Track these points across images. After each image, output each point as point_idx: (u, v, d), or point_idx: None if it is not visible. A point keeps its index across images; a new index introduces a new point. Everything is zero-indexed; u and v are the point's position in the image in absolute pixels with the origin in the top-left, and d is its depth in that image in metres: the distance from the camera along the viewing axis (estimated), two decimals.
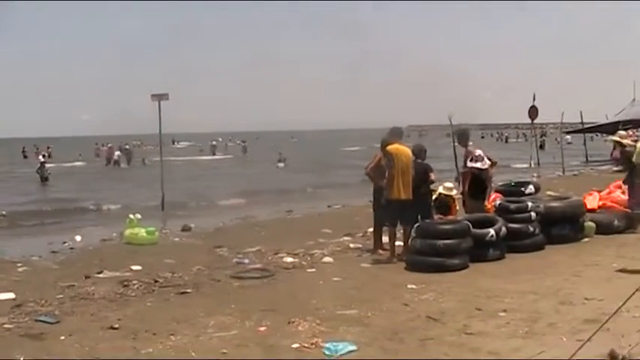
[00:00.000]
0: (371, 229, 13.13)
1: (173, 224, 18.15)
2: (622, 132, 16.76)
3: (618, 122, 40.50)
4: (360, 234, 14.50)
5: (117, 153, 56.11)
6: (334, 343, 6.87)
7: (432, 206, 12.13)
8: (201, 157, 67.92)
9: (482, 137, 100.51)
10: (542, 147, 59.14)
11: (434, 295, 9.04)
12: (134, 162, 54.88)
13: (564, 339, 6.76)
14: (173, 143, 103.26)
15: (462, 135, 13.45)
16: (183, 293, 9.76)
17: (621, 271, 9.60)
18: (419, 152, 12.34)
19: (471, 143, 13.90)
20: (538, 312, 8.00)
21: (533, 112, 37.02)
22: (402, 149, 11.73)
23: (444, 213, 12.35)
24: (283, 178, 38.13)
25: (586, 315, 7.54)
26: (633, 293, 5.14)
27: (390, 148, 11.71)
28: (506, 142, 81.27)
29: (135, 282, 10.43)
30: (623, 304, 5.46)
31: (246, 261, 12.08)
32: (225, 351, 6.92)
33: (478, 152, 13.74)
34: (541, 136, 74.98)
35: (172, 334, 7.52)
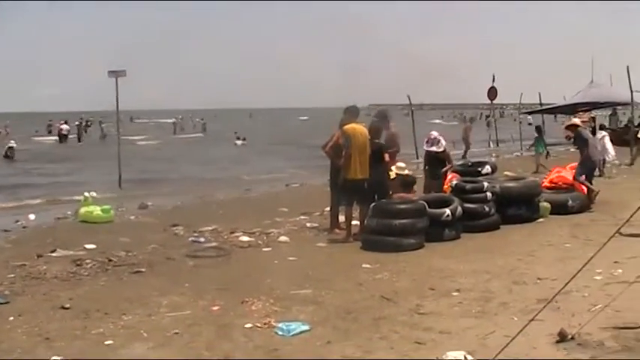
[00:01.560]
0: (328, 209, 13.13)
1: (130, 202, 17.93)
2: (576, 119, 17.11)
3: (576, 104, 40.95)
4: (318, 213, 14.48)
5: (65, 127, 55.30)
6: (287, 323, 6.85)
7: (388, 185, 12.09)
8: (160, 135, 67.33)
9: (442, 117, 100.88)
10: (488, 125, 59.92)
11: (388, 275, 9.07)
12: (91, 138, 54.29)
13: (516, 318, 6.81)
14: (131, 120, 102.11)
15: (381, 116, 13.25)
16: (137, 272, 9.67)
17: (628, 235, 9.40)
18: (375, 132, 12.26)
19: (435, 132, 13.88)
20: (491, 292, 8.07)
21: (492, 92, 37.23)
22: (359, 128, 11.69)
23: (408, 191, 12.42)
24: (242, 156, 37.98)
25: (538, 295, 7.60)
26: (578, 271, 5.17)
27: (346, 127, 11.68)
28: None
29: (88, 261, 10.28)
30: (567, 283, 5.50)
31: (202, 240, 12.00)
32: (177, 330, 6.86)
33: (434, 135, 13.79)
34: (487, 117, 75.55)
35: (124, 314, 7.44)
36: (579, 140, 14.92)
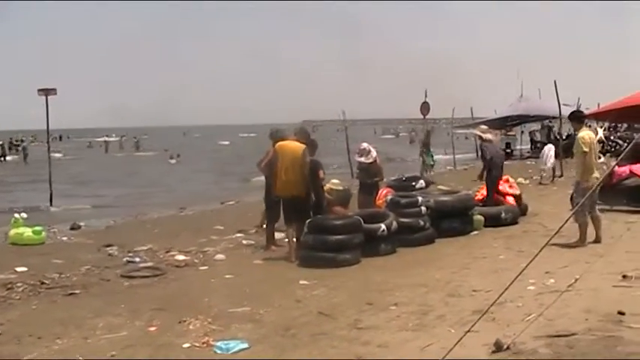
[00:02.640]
0: (264, 226, 13.11)
1: (62, 223, 17.62)
2: (483, 126, 17.23)
3: (507, 117, 41.70)
4: (253, 230, 14.43)
5: None
6: (225, 342, 6.82)
7: (323, 201, 12.10)
8: (92, 154, 66.41)
9: (375, 133, 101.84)
10: (411, 142, 60.75)
11: (326, 291, 9.09)
12: (19, 158, 53.25)
13: (453, 330, 6.89)
14: (60, 139, 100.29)
15: (301, 133, 13.18)
16: (71, 294, 9.49)
17: None
18: (310, 149, 12.19)
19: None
20: (428, 304, 8.14)
21: (425, 107, 37.67)
22: (289, 146, 11.65)
23: (345, 207, 12.47)
24: (176, 174, 37.69)
25: (474, 306, 7.70)
26: (511, 283, 5.28)
27: (277, 144, 11.70)
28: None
29: (19, 284, 10.04)
30: (501, 294, 5.60)
31: (137, 260, 11.85)
32: (113, 352, 6.77)
33: (364, 146, 13.86)
34: (410, 132, 76.56)
35: (59, 338, 7.30)
36: (483, 153, 15.36)
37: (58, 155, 49.68)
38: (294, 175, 11.39)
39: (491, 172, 14.60)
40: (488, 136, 15.74)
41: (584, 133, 11.54)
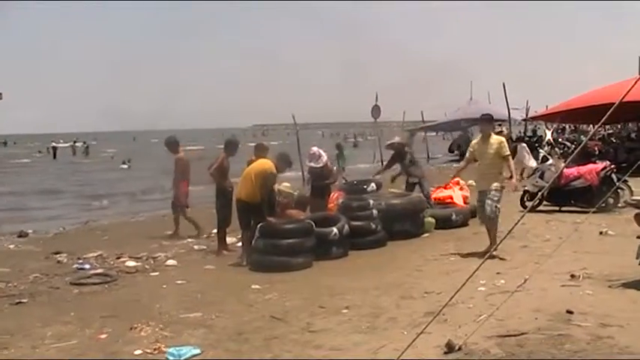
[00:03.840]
0: (215, 231, 13.05)
1: (8, 230, 17.31)
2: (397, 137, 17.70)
3: (457, 120, 42.16)
4: (205, 235, 14.35)
5: None
6: (177, 348, 6.77)
7: (275, 206, 12.08)
8: (40, 160, 65.41)
9: (322, 136, 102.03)
10: (355, 146, 61.03)
11: (278, 295, 9.07)
12: None
13: (405, 332, 6.93)
14: (5, 145, 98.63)
15: (230, 144, 13.05)
16: (18, 303, 9.30)
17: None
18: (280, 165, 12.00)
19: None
20: (380, 307, 8.18)
21: (376, 111, 37.85)
22: (260, 162, 11.66)
23: (303, 210, 12.48)
24: (127, 179, 37.29)
25: (426, 308, 7.77)
26: (462, 285, 5.32)
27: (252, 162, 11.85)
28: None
29: None
30: (453, 296, 5.65)
31: (87, 266, 11.69)
32: None
33: (314, 150, 13.84)
34: (354, 137, 76.94)
35: (6, 348, 7.17)
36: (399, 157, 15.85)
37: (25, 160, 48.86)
38: (246, 183, 11.35)
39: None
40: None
41: (497, 138, 11.48)
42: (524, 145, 22.17)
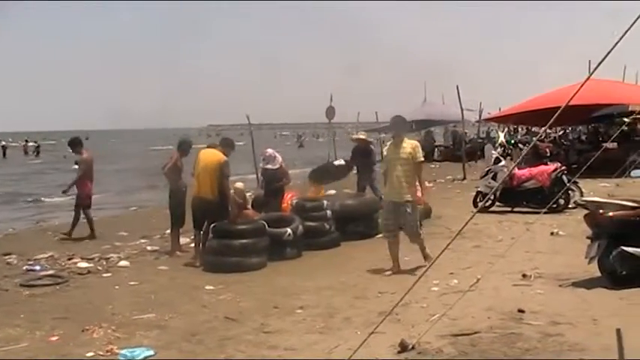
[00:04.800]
0: (168, 231, 12.96)
1: None
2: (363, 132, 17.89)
3: (411, 121, 42.37)
4: (158, 236, 14.25)
5: None
6: (131, 349, 6.71)
7: (228, 205, 12.03)
8: None
9: (275, 137, 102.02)
10: (301, 146, 61.18)
11: (232, 296, 9.05)
12: None
13: (359, 332, 6.94)
14: None
15: (183, 144, 12.85)
16: None
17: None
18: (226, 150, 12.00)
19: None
20: (334, 307, 8.21)
21: (330, 112, 37.90)
22: (207, 153, 11.64)
23: (259, 210, 12.51)
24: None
25: (380, 308, 7.79)
26: (414, 284, 5.37)
27: (200, 150, 11.85)
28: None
29: None
30: (404, 295, 5.69)
31: (38, 268, 11.49)
32: None
33: (269, 152, 13.85)
34: (298, 138, 77.12)
35: None
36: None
37: None
38: (205, 180, 11.31)
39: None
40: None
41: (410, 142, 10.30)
42: (490, 145, 22.44)
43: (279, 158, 13.73)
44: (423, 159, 10.19)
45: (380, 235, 13.12)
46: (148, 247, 13.19)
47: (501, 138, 26.96)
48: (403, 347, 6.28)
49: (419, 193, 10.18)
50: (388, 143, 10.65)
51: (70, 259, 12.08)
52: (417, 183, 10.10)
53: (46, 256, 12.49)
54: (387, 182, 10.17)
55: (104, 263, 11.76)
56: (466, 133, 39.33)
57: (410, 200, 9.92)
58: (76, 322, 7.91)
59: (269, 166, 13.63)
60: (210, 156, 11.51)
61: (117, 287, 9.94)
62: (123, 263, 11.73)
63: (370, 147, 16.17)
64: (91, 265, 11.62)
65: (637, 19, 4.09)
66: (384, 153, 10.51)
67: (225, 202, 11.54)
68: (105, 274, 10.98)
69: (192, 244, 11.95)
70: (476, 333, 6.71)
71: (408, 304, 7.50)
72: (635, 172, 16.35)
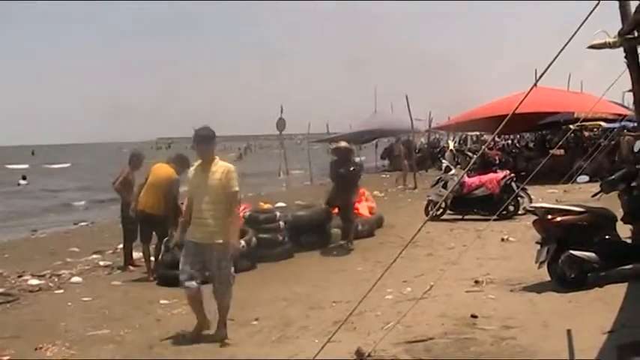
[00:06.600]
0: (121, 246, 12.86)
1: None
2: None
3: (362, 131, 42.61)
4: (110, 251, 14.13)
5: None
6: None
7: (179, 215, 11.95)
8: None
9: (224, 148, 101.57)
10: (240, 158, 61.15)
11: (187, 309, 8.97)
12: None
13: (316, 341, 6.98)
14: None
15: (134, 158, 12.65)
16: None
17: None
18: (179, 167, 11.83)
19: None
20: (289, 317, 8.25)
21: (281, 123, 38.00)
22: (158, 168, 11.55)
23: None
24: (26, 196, 36.32)
25: (335, 317, 7.83)
26: (368, 292, 5.44)
27: (153, 165, 11.74)
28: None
29: None
30: (359, 304, 5.75)
31: None
32: None
33: None
34: (239, 149, 77.06)
35: None
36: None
37: None
38: (151, 194, 11.22)
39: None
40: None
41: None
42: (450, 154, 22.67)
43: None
44: (237, 188, 7.70)
45: (333, 245, 13.19)
46: (101, 263, 13.06)
47: (451, 146, 27.24)
48: (359, 355, 6.33)
49: (232, 240, 7.63)
50: (193, 166, 8.15)
51: (20, 277, 11.92)
52: (231, 219, 7.66)
53: None
54: (192, 217, 7.72)
55: (56, 280, 11.62)
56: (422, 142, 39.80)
57: (221, 243, 7.49)
58: (28, 340, 7.81)
59: None
60: (162, 171, 11.42)
61: (70, 304, 9.82)
62: (75, 279, 11.60)
63: (351, 156, 14.40)
64: (42, 282, 11.47)
65: (578, 29, 4.23)
66: (188, 177, 8.04)
67: (172, 217, 11.44)
68: (57, 291, 10.85)
69: (144, 259, 11.86)
70: (430, 339, 6.80)
71: (363, 313, 7.57)
72: (581, 178, 16.72)
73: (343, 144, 14.60)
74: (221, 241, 7.46)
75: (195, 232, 7.62)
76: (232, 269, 7.70)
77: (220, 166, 7.65)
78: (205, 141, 7.74)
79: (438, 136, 48.72)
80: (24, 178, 48.15)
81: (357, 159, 16.01)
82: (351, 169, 13.58)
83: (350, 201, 13.53)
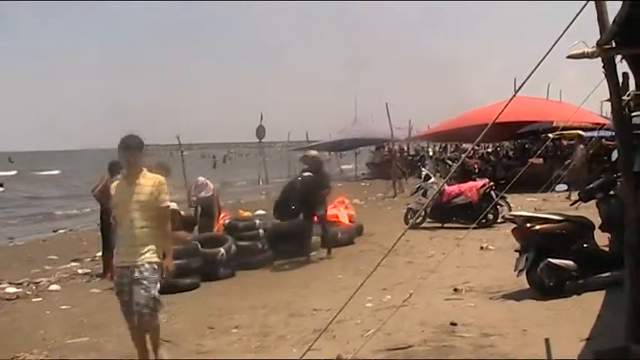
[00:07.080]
0: (100, 253, 12.79)
1: None
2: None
3: (342, 140, 42.73)
4: (89, 259, 14.06)
5: None
6: None
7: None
8: None
9: (203, 156, 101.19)
10: (214, 166, 61.12)
11: (166, 317, 8.91)
12: None
13: (295, 349, 6.98)
14: None
15: (113, 165, 12.75)
16: None
17: None
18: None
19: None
20: (269, 326, 8.23)
21: (260, 131, 38.05)
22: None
23: (189, 230, 12.49)
24: (1, 203, 36.00)
25: (315, 325, 7.84)
26: (348, 300, 5.44)
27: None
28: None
29: None
30: (339, 312, 5.74)
31: None
32: None
33: (200, 180, 13.95)
34: (214, 157, 76.90)
35: None
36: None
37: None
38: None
39: None
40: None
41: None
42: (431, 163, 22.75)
43: (211, 185, 13.88)
44: (169, 203, 6.90)
45: (313, 253, 13.16)
46: (80, 270, 13.01)
47: (430, 153, 27.39)
48: None
49: (168, 260, 6.85)
50: (117, 179, 7.19)
51: None
52: (163, 238, 6.82)
53: None
54: (118, 237, 6.89)
55: (34, 288, 11.57)
56: (404, 149, 39.83)
57: (151, 262, 6.56)
58: (5, 349, 7.76)
59: (203, 194, 13.74)
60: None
61: (48, 312, 9.77)
62: (53, 287, 11.55)
63: (322, 167, 13.99)
64: (20, 290, 11.42)
65: (558, 39, 4.27)
66: (113, 192, 6.89)
67: None
68: (35, 299, 10.79)
69: None
70: (410, 347, 6.80)
71: (343, 321, 7.56)
72: (559, 187, 16.80)
73: (313, 152, 14.31)
74: (151, 261, 6.52)
75: (123, 255, 6.66)
76: (157, 294, 6.65)
77: (150, 179, 6.70)
78: (132, 150, 6.67)
79: (418, 144, 48.90)
80: (0, 185, 47.78)
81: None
82: (305, 176, 13.25)
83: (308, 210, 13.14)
